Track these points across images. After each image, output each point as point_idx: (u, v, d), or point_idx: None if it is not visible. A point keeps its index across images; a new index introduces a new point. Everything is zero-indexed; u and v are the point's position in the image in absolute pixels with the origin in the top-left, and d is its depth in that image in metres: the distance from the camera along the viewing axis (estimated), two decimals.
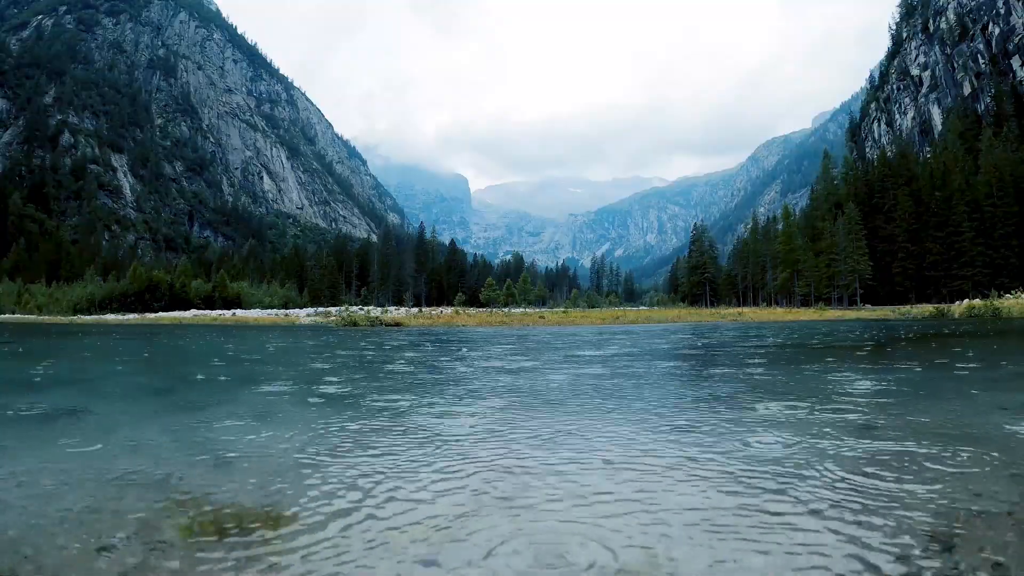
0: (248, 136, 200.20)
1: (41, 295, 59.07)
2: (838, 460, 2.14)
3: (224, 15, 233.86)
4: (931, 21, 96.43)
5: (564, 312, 38.12)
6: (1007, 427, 2.69)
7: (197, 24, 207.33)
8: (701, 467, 2.07)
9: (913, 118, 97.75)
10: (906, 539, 1.39)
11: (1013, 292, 29.35)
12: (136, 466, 2.16)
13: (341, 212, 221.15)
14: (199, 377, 5.72)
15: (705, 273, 76.97)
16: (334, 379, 5.23)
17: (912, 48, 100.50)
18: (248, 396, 4.21)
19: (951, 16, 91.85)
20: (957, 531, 1.43)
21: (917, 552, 1.32)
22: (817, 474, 1.96)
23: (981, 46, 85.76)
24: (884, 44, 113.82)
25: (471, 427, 2.89)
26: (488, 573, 1.24)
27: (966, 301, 26.87)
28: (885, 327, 15.82)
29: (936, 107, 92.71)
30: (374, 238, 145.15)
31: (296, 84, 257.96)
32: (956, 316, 21.97)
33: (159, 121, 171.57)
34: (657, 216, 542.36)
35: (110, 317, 42.08)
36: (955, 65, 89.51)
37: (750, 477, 1.94)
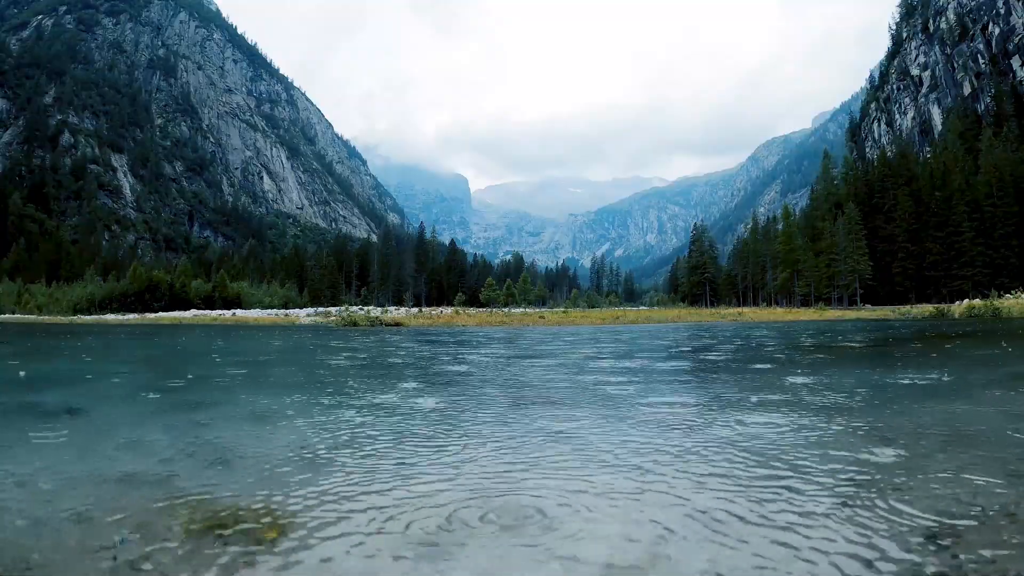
0: (248, 136, 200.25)
1: (41, 295, 59.09)
2: (837, 459, 2.14)
3: (224, 15, 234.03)
4: (931, 21, 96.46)
5: (564, 312, 38.14)
6: (1007, 427, 2.69)
7: (197, 24, 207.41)
8: (700, 466, 2.07)
9: (913, 118, 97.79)
10: (906, 539, 1.39)
11: (1013, 292, 29.35)
12: (136, 466, 2.16)
13: (341, 212, 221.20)
14: (199, 377, 5.72)
15: (705, 273, 77.01)
16: (334, 379, 5.23)
17: (912, 48, 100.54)
18: (248, 396, 4.20)
19: (951, 16, 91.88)
20: (957, 531, 1.44)
21: (917, 552, 1.32)
22: (816, 473, 1.95)
23: (981, 46, 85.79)
24: (884, 44, 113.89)
25: (471, 427, 2.89)
26: (488, 572, 1.25)
27: (966, 301, 26.86)
28: (885, 327, 15.82)
29: (936, 107, 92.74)
30: (374, 238, 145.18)
31: (296, 84, 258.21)
32: (956, 316, 21.95)
33: (159, 121, 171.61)
34: (657, 216, 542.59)
35: (110, 317, 42.08)
36: (955, 65, 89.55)
37: (749, 476, 1.93)
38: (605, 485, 1.87)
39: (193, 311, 46.22)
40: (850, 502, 1.67)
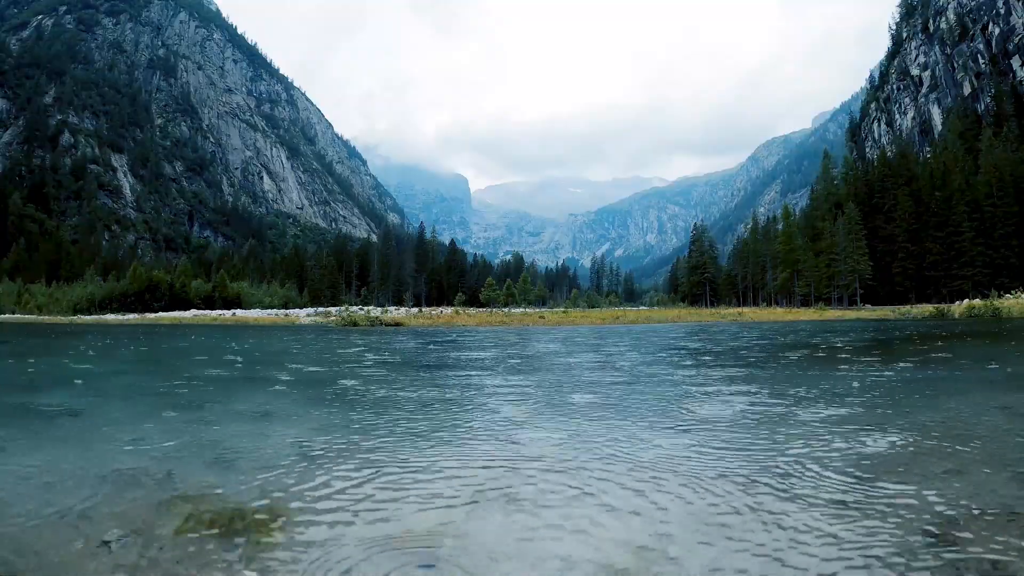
0: (248, 136, 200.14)
1: (41, 295, 59.05)
2: (837, 459, 2.14)
3: (224, 15, 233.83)
4: (931, 21, 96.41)
5: (564, 312, 38.13)
6: (1006, 427, 2.70)
7: (197, 24, 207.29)
8: (699, 466, 2.08)
9: (913, 118, 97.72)
10: (906, 538, 1.39)
11: (1013, 292, 29.33)
12: (136, 465, 2.17)
13: (341, 212, 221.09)
14: (199, 376, 5.73)
15: (705, 273, 76.96)
16: (334, 379, 5.23)
17: (912, 48, 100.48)
18: (248, 395, 4.21)
19: (951, 16, 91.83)
20: (957, 531, 1.43)
21: (917, 551, 1.32)
22: (816, 473, 1.96)
23: (981, 46, 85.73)
24: (884, 44, 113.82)
25: (470, 427, 2.89)
26: (488, 573, 1.24)
27: (966, 301, 26.85)
28: (885, 327, 15.82)
29: (936, 107, 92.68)
30: (374, 238, 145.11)
31: (296, 84, 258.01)
32: (956, 316, 21.95)
33: (159, 121, 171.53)
34: (657, 216, 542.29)
35: (110, 317, 42.07)
36: (955, 65, 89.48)
37: (749, 476, 1.94)
38: (605, 485, 1.87)
39: (193, 311, 46.21)
40: (850, 501, 1.66)
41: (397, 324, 21.11)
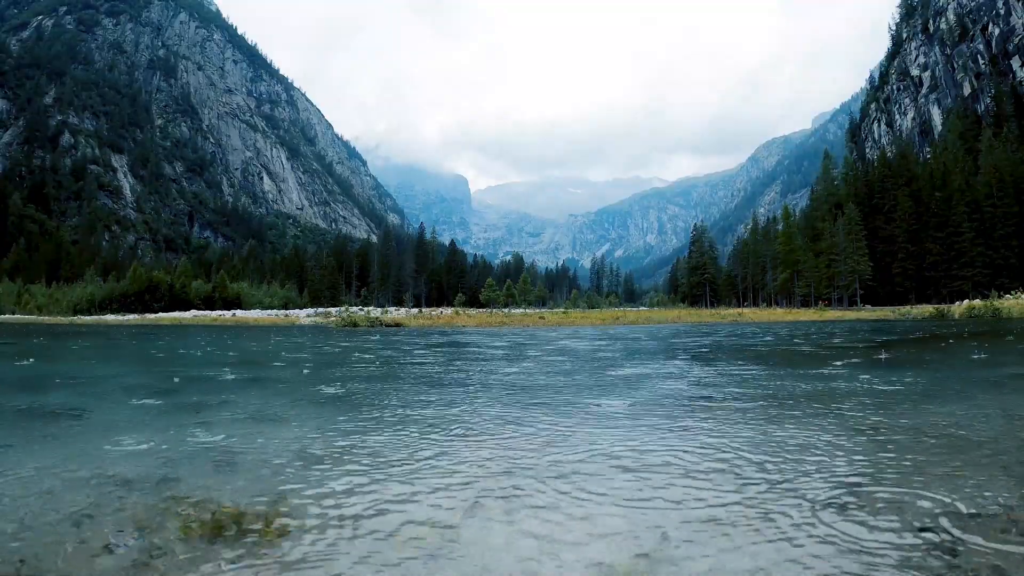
0: (248, 136, 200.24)
1: (41, 295, 59.04)
2: (837, 460, 2.14)
3: (224, 15, 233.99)
4: (931, 21, 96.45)
5: (564, 313, 38.13)
6: (1007, 427, 2.70)
7: (197, 24, 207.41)
8: (699, 467, 2.07)
9: (913, 118, 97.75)
10: (906, 539, 1.39)
11: (1013, 292, 29.31)
12: (137, 466, 2.16)
13: (341, 213, 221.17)
14: (198, 377, 5.72)
15: (705, 274, 76.99)
16: (333, 379, 5.23)
17: (912, 48, 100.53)
18: (248, 396, 4.21)
19: (951, 16, 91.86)
20: (957, 531, 1.43)
21: (917, 552, 1.32)
22: (816, 474, 1.96)
23: (981, 46, 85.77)
24: (884, 44, 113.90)
25: (469, 427, 2.89)
26: (487, 574, 1.24)
27: (966, 302, 26.85)
28: (885, 328, 15.82)
29: (936, 107, 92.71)
30: (374, 239, 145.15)
31: (296, 85, 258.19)
32: (956, 317, 21.94)
33: (159, 121, 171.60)
34: (657, 216, 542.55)
35: (110, 317, 42.06)
36: (955, 65, 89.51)
37: (749, 476, 1.94)
38: (604, 485, 1.87)
39: (193, 312, 46.21)
40: (850, 501, 1.66)
41: (397, 325, 21.12)
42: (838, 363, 6.44)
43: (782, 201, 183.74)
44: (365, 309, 38.88)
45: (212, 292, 62.22)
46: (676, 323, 23.37)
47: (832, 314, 32.28)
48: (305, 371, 6.31)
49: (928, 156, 70.63)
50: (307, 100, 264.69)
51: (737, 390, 4.14)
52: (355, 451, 2.40)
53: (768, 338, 11.78)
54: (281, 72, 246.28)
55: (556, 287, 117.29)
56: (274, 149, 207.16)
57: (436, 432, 2.79)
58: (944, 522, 1.50)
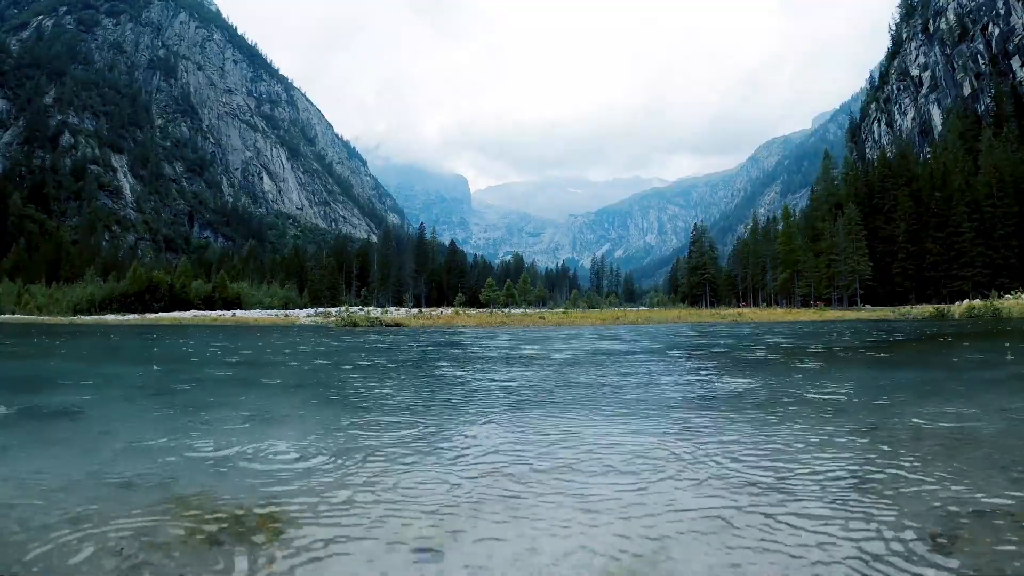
0: (248, 136, 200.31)
1: (41, 295, 59.06)
2: (837, 460, 2.14)
3: (224, 15, 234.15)
4: (931, 21, 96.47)
5: (564, 313, 38.13)
6: (1007, 427, 2.69)
7: (197, 24, 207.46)
8: (698, 467, 2.07)
9: (913, 118, 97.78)
10: (906, 539, 1.39)
11: (1013, 292, 29.31)
12: (137, 467, 2.16)
13: (341, 212, 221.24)
14: (198, 378, 5.72)
15: (705, 274, 77.01)
16: (333, 380, 5.23)
17: (912, 48, 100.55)
18: (248, 397, 4.20)
19: (951, 16, 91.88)
20: (957, 531, 1.43)
21: (917, 552, 1.32)
22: (816, 474, 1.96)
23: (981, 46, 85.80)
24: (884, 44, 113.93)
25: (469, 428, 2.89)
26: (487, 574, 1.25)
27: (966, 302, 26.86)
28: (885, 328, 15.82)
29: (936, 107, 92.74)
30: (374, 239, 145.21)
31: (296, 84, 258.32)
32: (956, 317, 21.95)
33: (159, 121, 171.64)
34: (657, 216, 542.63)
35: (110, 318, 42.07)
36: (955, 65, 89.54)
37: (748, 476, 1.93)
38: (604, 485, 1.87)
39: (193, 312, 46.22)
40: (850, 502, 1.66)
41: (397, 325, 21.12)
42: (837, 363, 6.44)
43: (782, 201, 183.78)
44: (365, 309, 38.87)
45: (212, 292, 62.24)
46: (676, 323, 23.36)
47: (832, 314, 32.28)
48: (305, 371, 6.31)
49: (928, 156, 70.64)
50: (307, 100, 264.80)
51: (737, 390, 4.14)
52: (355, 451, 2.40)
53: (768, 338, 11.79)
54: (281, 72, 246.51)
55: (556, 287, 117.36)
56: (274, 149, 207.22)
57: (436, 432, 2.79)
58: (945, 522, 1.49)
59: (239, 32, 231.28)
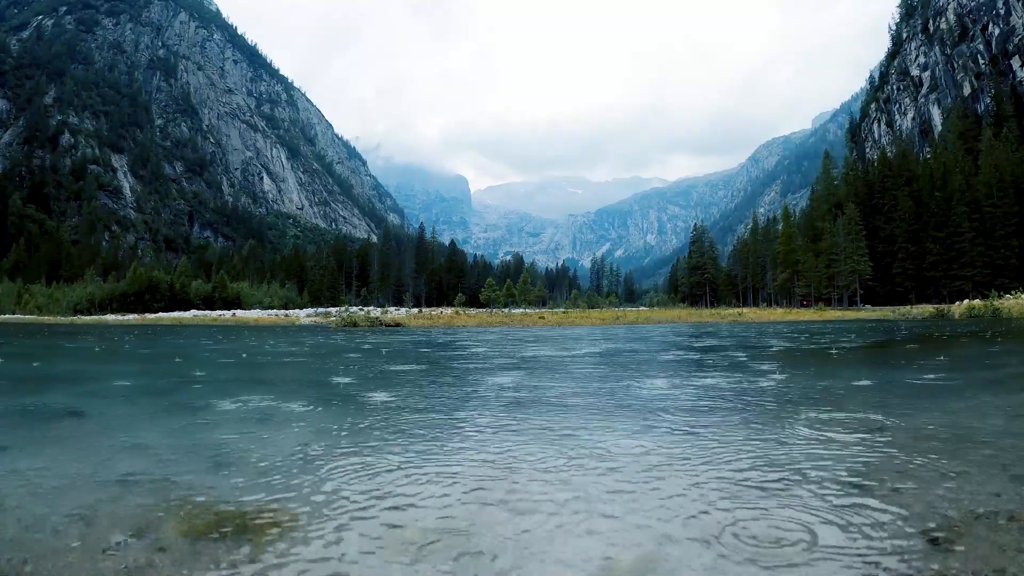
0: (248, 136, 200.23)
1: (41, 295, 59.02)
2: (837, 460, 2.14)
3: (224, 16, 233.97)
4: (931, 21, 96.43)
5: (564, 312, 38.13)
6: (1006, 428, 2.69)
7: (197, 25, 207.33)
8: (698, 467, 2.07)
9: (913, 118, 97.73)
10: (907, 540, 1.39)
11: (1013, 292, 29.29)
12: (137, 467, 2.16)
13: (341, 212, 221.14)
14: (198, 378, 5.72)
15: (705, 274, 77.00)
16: (333, 380, 5.23)
17: (912, 48, 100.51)
18: (247, 397, 4.21)
19: (951, 16, 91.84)
20: (957, 531, 1.43)
21: (917, 553, 1.32)
22: (817, 475, 1.95)
23: (981, 46, 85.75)
24: (884, 44, 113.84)
25: (469, 428, 2.89)
26: (487, 574, 1.24)
27: (966, 302, 26.84)
28: (885, 328, 15.82)
29: (936, 107, 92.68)
30: (374, 238, 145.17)
31: (296, 84, 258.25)
32: (956, 317, 21.94)
33: (159, 121, 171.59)
34: (657, 216, 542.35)
35: (110, 318, 42.06)
36: (955, 65, 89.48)
37: (748, 477, 1.93)
38: (604, 485, 1.87)
39: (193, 312, 46.21)
40: (850, 502, 1.66)
41: (397, 325, 21.11)
42: (837, 363, 6.44)
43: (782, 201, 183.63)
44: (365, 309, 38.87)
45: (212, 292, 62.21)
46: (676, 323, 23.36)
47: (832, 314, 32.27)
48: (305, 371, 6.31)
49: (928, 156, 70.60)
50: (307, 100, 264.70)
51: (737, 391, 4.14)
52: (355, 451, 2.40)
53: (768, 339, 11.79)
54: (281, 72, 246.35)
55: (556, 287, 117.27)
56: (274, 149, 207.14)
57: (436, 433, 2.79)
58: (945, 522, 1.49)
59: (239, 32, 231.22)
